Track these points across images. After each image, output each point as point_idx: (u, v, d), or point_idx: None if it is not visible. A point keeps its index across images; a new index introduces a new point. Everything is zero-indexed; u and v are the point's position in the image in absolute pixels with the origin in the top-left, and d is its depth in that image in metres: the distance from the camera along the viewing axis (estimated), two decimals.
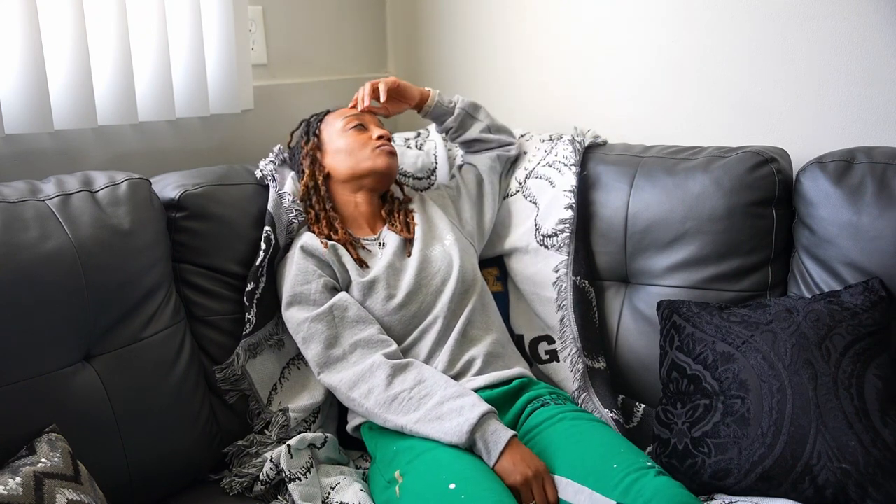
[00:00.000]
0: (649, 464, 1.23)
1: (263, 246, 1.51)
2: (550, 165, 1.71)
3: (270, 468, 1.39)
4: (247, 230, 1.54)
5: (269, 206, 1.54)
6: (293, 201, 1.57)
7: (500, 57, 2.05)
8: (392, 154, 1.60)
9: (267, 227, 1.53)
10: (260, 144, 1.78)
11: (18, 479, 1.04)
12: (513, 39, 2.02)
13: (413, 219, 1.63)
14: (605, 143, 1.75)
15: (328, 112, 1.68)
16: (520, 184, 1.74)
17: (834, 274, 1.43)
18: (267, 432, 1.48)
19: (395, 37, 2.26)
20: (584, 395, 1.53)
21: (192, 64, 1.71)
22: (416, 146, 1.86)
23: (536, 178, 1.72)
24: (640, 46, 1.81)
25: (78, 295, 1.27)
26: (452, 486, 1.18)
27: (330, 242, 1.52)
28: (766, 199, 1.50)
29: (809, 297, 1.43)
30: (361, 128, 1.61)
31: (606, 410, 1.48)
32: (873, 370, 1.27)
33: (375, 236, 1.60)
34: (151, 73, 1.64)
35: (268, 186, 1.58)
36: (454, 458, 1.25)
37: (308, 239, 1.53)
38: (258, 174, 1.61)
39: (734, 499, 1.28)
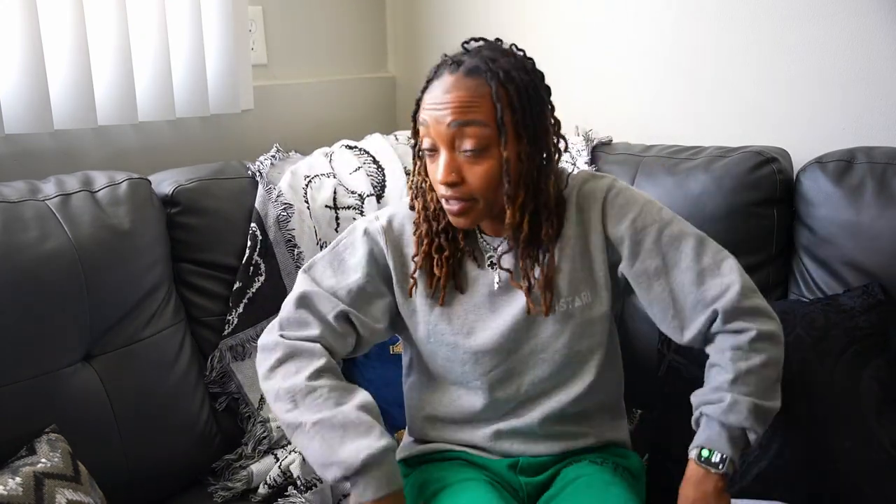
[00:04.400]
0: None
1: (249, 243, 1.51)
2: None
3: (278, 475, 1.40)
4: (242, 223, 1.54)
5: (256, 204, 1.54)
6: (279, 195, 1.55)
7: None
8: (460, 214, 1.10)
9: (253, 224, 1.52)
10: (260, 144, 1.78)
11: (18, 479, 1.05)
12: (512, 40, 2.02)
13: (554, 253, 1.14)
14: (610, 142, 1.74)
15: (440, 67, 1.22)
16: None
17: (834, 274, 1.43)
18: (259, 447, 1.48)
19: (395, 37, 2.25)
20: None
21: (192, 64, 1.71)
22: None
23: None
24: (641, 47, 1.81)
25: (78, 295, 1.27)
26: None
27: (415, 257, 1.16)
28: (766, 199, 1.49)
29: (808, 299, 1.43)
30: (432, 153, 1.12)
31: None
32: (870, 372, 1.27)
33: (500, 240, 1.17)
34: (151, 73, 1.64)
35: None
36: (486, 491, 1.14)
37: (394, 218, 1.19)
38: (252, 170, 1.59)
39: (731, 501, 1.27)
